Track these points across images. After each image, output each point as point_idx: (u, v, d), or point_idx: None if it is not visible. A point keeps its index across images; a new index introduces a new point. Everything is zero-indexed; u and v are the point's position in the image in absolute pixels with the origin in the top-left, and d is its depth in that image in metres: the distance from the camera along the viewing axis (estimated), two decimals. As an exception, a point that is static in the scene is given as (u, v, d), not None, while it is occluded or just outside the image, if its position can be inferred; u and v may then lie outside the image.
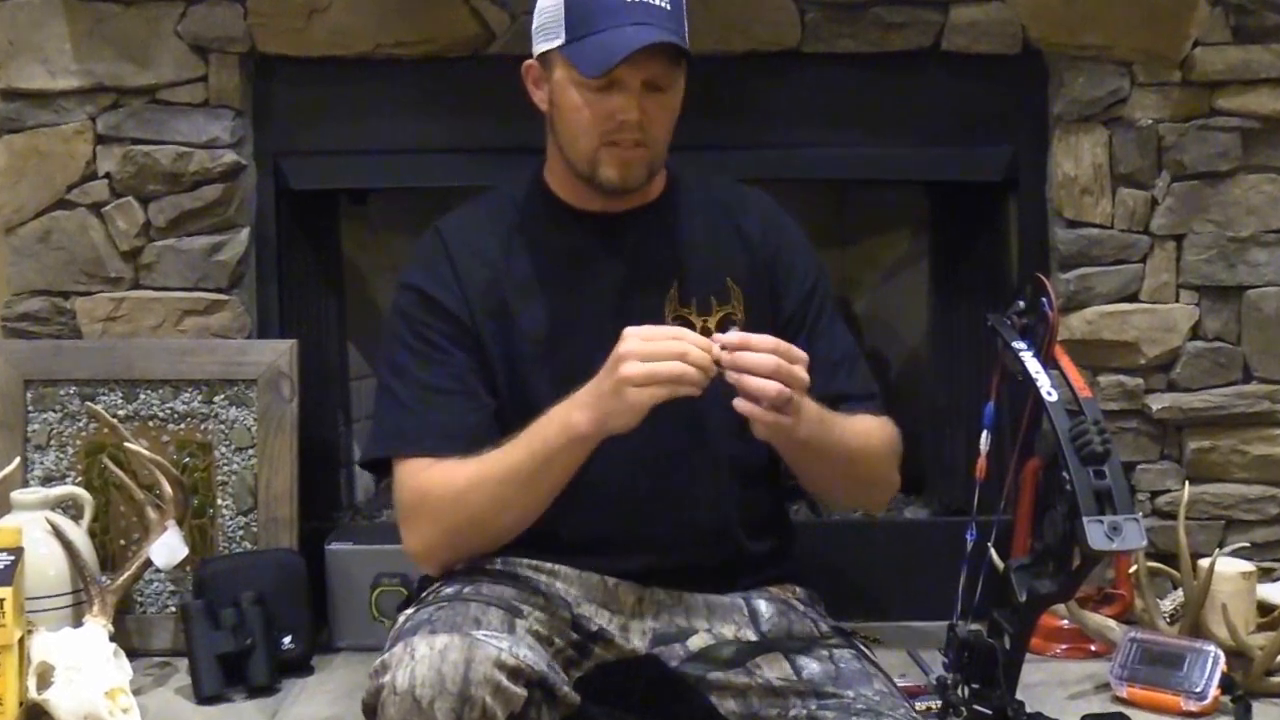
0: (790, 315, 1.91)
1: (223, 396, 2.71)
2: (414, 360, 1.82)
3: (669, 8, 1.76)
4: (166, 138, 2.73)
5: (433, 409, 1.79)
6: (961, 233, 2.99)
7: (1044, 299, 1.75)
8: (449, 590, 1.78)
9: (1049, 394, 1.66)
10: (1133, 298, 2.79)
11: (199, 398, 2.71)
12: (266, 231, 2.81)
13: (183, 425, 2.70)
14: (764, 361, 1.61)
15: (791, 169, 2.78)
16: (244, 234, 2.77)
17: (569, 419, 1.65)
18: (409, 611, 1.77)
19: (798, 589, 1.93)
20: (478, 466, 1.73)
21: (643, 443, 1.73)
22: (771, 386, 1.60)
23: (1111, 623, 2.43)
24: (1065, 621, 2.51)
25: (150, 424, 2.70)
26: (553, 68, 1.81)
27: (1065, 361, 1.75)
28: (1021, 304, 1.82)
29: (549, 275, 1.86)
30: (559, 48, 1.77)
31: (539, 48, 1.83)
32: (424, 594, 1.84)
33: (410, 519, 1.78)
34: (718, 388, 1.75)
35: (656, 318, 1.82)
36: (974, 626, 1.82)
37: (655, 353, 1.59)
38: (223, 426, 2.71)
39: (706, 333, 1.76)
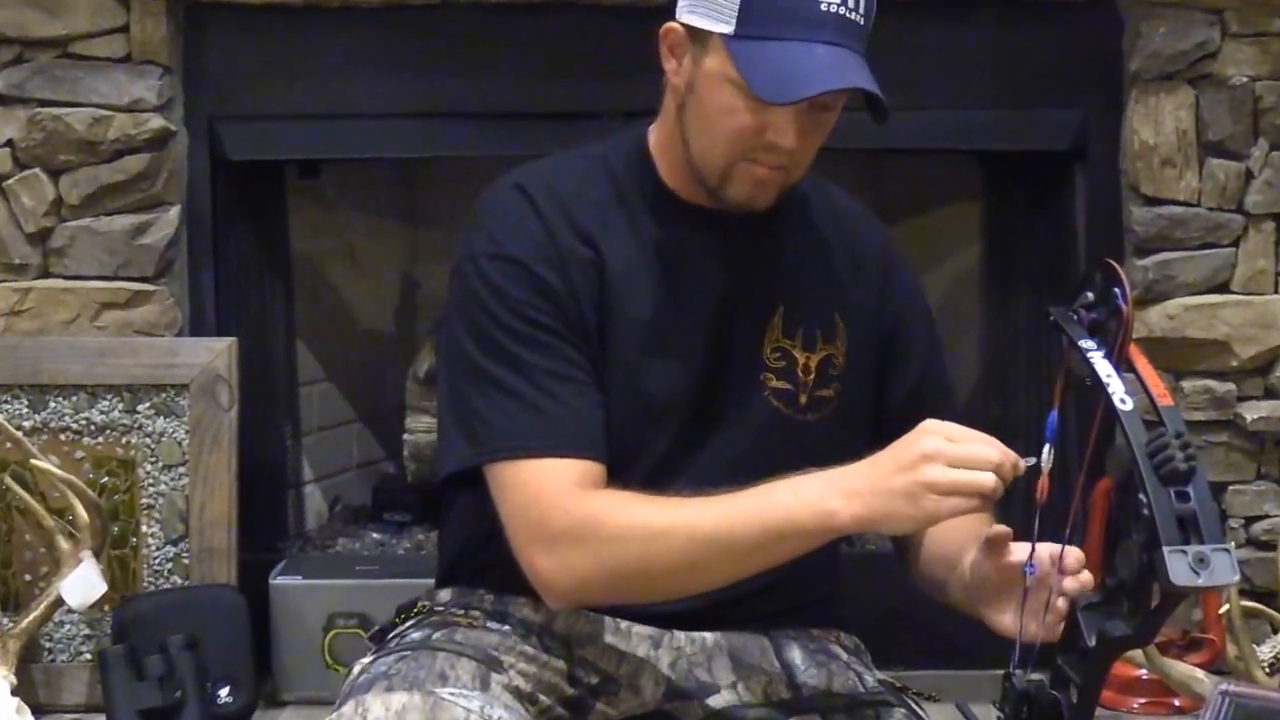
0: (913, 387, 1.89)
1: (148, 405, 2.70)
2: (520, 344, 1.73)
3: (862, 21, 1.71)
4: (81, 99, 2.72)
5: (560, 400, 1.71)
6: (1020, 211, 2.99)
7: (1117, 289, 1.73)
8: (416, 635, 1.76)
9: (1122, 402, 1.64)
10: (1223, 288, 2.79)
11: (120, 406, 2.70)
12: (200, 210, 2.80)
13: (101, 438, 2.70)
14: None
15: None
16: (173, 213, 2.77)
17: (825, 504, 1.59)
18: (365, 661, 1.74)
19: (842, 635, 1.92)
20: (678, 513, 1.65)
21: (694, 473, 1.73)
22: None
23: (1199, 673, 2.42)
24: (1143, 671, 2.50)
25: (62, 437, 2.69)
26: (705, 50, 1.73)
27: (1142, 363, 1.73)
28: (1090, 295, 1.80)
29: (645, 274, 1.79)
30: (723, 36, 1.72)
31: (691, 19, 1.77)
32: (389, 637, 1.82)
33: (562, 545, 1.67)
34: (802, 439, 1.77)
35: (754, 345, 1.80)
36: (1035, 676, 1.80)
37: (966, 458, 1.56)
38: (148, 440, 2.70)
39: (806, 370, 1.78)
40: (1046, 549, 1.62)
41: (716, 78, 1.71)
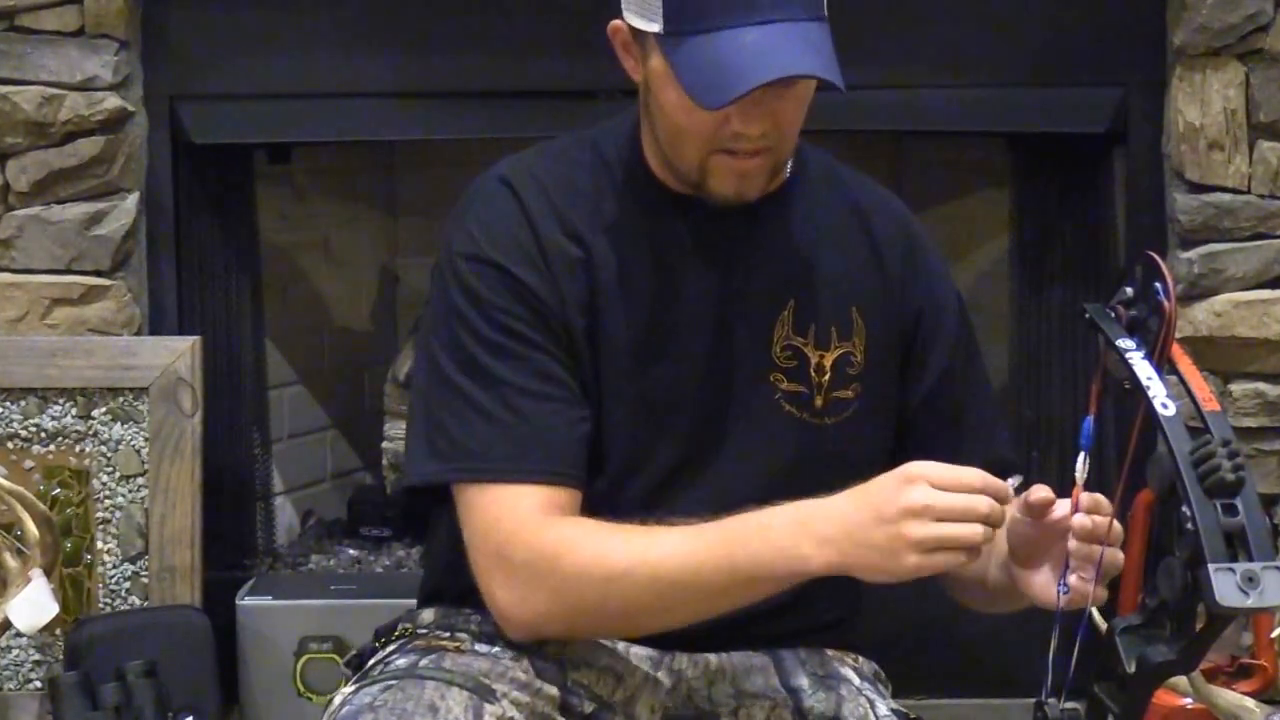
0: (935, 384, 1.89)
1: (104, 410, 2.71)
2: (493, 355, 1.74)
3: None
4: (29, 76, 2.73)
5: (530, 420, 1.72)
6: (1053, 199, 2.98)
7: (1159, 284, 1.73)
8: (402, 661, 1.76)
9: (1164, 406, 1.64)
10: (1275, 283, 2.78)
11: (73, 411, 2.71)
12: (160, 198, 2.80)
13: (52, 447, 2.70)
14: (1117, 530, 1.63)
15: (835, 118, 2.76)
16: (131, 201, 2.77)
17: (797, 550, 1.60)
18: (346, 691, 1.74)
19: (860, 658, 1.93)
20: (642, 549, 1.67)
21: (705, 484, 1.74)
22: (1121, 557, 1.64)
23: (1249, 702, 2.42)
24: (1188, 700, 2.50)
25: (10, 445, 2.70)
26: (648, 50, 1.74)
27: (1186, 365, 1.73)
28: (1129, 291, 1.80)
29: (641, 271, 1.80)
30: (655, 35, 1.73)
31: (630, 17, 1.77)
32: (371, 663, 1.82)
33: (520, 578, 1.70)
34: (820, 444, 1.78)
35: (762, 345, 1.81)
36: (1069, 705, 1.80)
37: (952, 510, 1.55)
38: (104, 448, 2.71)
39: (820, 370, 1.77)
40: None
41: (662, 78, 1.71)
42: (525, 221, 1.78)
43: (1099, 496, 1.64)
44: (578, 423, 1.74)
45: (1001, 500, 1.57)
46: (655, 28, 1.69)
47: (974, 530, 1.54)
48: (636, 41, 1.75)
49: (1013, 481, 1.62)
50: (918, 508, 1.54)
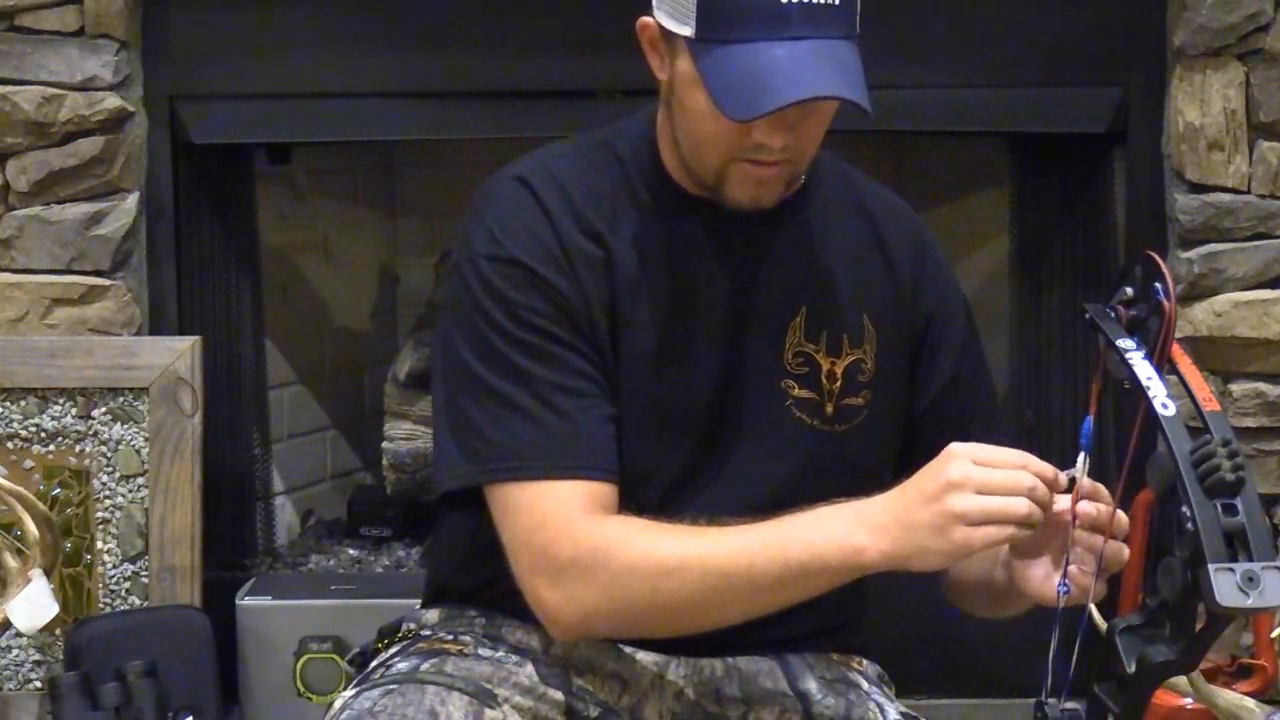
0: (943, 390, 1.90)
1: (104, 410, 2.71)
2: (523, 354, 1.73)
3: (839, 1, 1.69)
4: (29, 76, 2.73)
5: (568, 416, 1.72)
6: (1054, 199, 2.99)
7: (1159, 284, 1.73)
8: (403, 665, 1.76)
9: (1164, 406, 1.64)
10: (1275, 283, 2.79)
11: (73, 411, 2.71)
12: (160, 198, 2.81)
13: (52, 447, 2.70)
14: (1123, 520, 1.64)
15: (836, 118, 2.76)
16: (131, 201, 2.77)
17: (852, 538, 1.61)
18: (347, 695, 1.74)
19: (865, 661, 1.93)
20: (693, 546, 1.67)
21: (714, 490, 1.75)
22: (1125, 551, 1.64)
23: (1249, 702, 2.42)
24: (1188, 700, 2.50)
25: (10, 445, 2.70)
26: (676, 51, 1.74)
27: (1186, 365, 1.74)
28: (1129, 291, 1.80)
29: (657, 273, 1.80)
30: (686, 39, 1.73)
31: (660, 16, 1.77)
32: (372, 665, 1.82)
33: (568, 577, 1.69)
34: (830, 451, 1.78)
35: (774, 351, 1.81)
36: (1069, 705, 1.80)
37: (995, 484, 1.57)
38: (104, 448, 2.71)
39: (832, 377, 1.77)
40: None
41: (689, 81, 1.70)
42: (546, 221, 1.77)
43: (1099, 485, 1.64)
44: (609, 420, 1.74)
45: (1049, 483, 1.58)
46: (687, 31, 1.68)
47: (1018, 503, 1.55)
48: (665, 41, 1.74)
49: (1069, 473, 1.63)
50: (958, 480, 1.55)
